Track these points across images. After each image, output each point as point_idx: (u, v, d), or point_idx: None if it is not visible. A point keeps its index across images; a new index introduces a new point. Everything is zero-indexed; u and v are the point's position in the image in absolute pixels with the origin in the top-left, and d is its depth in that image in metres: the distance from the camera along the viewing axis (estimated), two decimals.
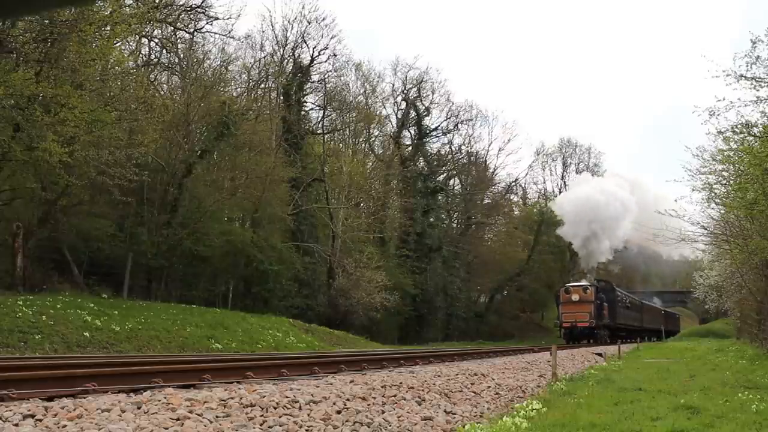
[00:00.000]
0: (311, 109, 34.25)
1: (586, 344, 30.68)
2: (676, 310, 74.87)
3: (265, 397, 4.50)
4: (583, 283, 35.23)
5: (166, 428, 3.55)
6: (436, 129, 41.94)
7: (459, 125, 43.53)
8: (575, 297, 32.80)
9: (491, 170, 48.07)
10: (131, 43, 21.96)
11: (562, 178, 56.24)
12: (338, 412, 4.59)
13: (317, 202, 30.40)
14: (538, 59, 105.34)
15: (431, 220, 39.14)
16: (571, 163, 56.96)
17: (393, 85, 40.85)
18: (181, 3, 23.44)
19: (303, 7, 32.16)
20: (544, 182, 56.40)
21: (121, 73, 18.25)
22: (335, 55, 32.87)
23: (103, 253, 19.82)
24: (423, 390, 6.18)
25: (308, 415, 4.38)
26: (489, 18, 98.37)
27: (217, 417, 3.90)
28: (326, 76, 33.56)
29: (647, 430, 4.75)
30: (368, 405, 5.06)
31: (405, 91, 40.12)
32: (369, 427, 4.46)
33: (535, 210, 52.03)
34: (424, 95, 40.49)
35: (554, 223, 52.20)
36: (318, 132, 34.36)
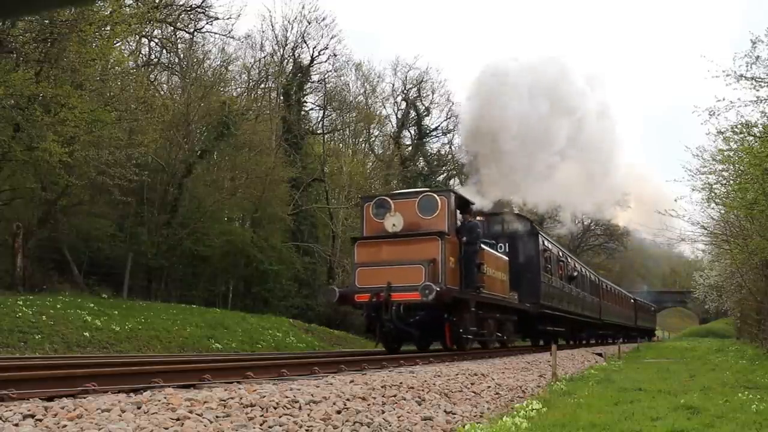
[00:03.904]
0: (311, 109, 34.27)
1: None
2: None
3: (265, 397, 4.50)
4: (421, 190, 14.80)
5: (166, 428, 3.55)
6: (436, 129, 41.92)
7: (459, 125, 43.52)
8: (393, 223, 11.53)
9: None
10: (131, 43, 21.98)
11: None
12: (338, 412, 4.59)
13: (317, 202, 30.38)
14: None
15: None
16: None
17: (393, 85, 40.85)
18: (181, 3, 23.47)
19: (303, 7, 32.18)
20: None
21: (121, 73, 18.26)
22: (335, 55, 32.88)
23: (103, 253, 19.82)
24: (423, 390, 6.18)
25: (308, 415, 4.38)
26: (488, 18, 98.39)
27: (217, 417, 3.90)
28: (326, 76, 33.58)
29: (647, 430, 4.75)
30: (368, 405, 5.06)
31: (405, 91, 40.11)
32: (369, 427, 4.46)
33: (535, 210, 51.98)
34: (424, 95, 40.48)
35: (555, 220, 52.13)
36: (318, 132, 34.35)
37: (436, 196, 11.75)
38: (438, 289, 10.24)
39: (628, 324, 36.41)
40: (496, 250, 15.40)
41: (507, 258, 15.32)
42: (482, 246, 12.76)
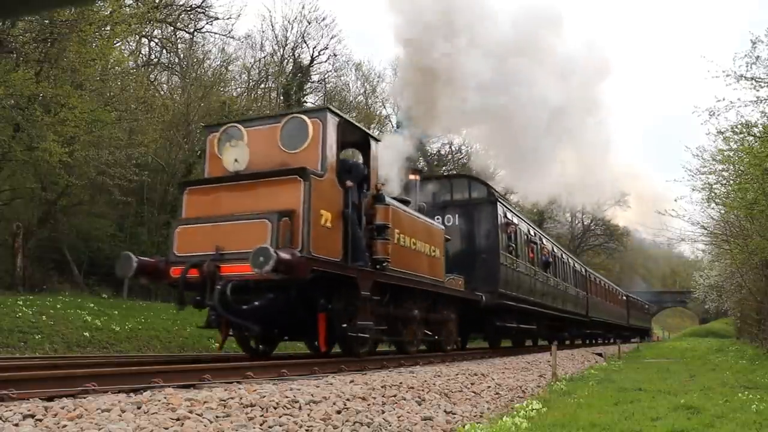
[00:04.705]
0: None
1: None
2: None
3: (265, 397, 4.50)
4: (288, 111, 10.53)
5: (166, 428, 3.55)
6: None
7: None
8: (234, 158, 7.71)
9: (491, 170, 48.04)
10: (131, 43, 22.00)
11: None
12: (338, 412, 4.59)
13: None
14: None
15: None
16: None
17: (393, 85, 40.85)
18: (181, 3, 23.49)
19: (303, 7, 32.22)
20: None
21: (121, 73, 18.28)
22: (335, 55, 32.93)
23: (103, 253, 19.82)
24: (423, 390, 6.18)
25: (308, 415, 4.38)
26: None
27: (217, 417, 3.90)
28: (326, 76, 33.62)
29: (647, 430, 4.75)
30: (368, 405, 5.06)
31: None
32: (369, 427, 4.46)
33: (535, 210, 52.11)
34: None
35: (555, 221, 52.19)
36: None
37: (305, 118, 7.80)
38: (283, 256, 6.44)
39: (620, 323, 33.83)
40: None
41: (441, 227, 11.39)
42: (387, 200, 8.80)
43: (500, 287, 13.40)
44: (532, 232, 17.25)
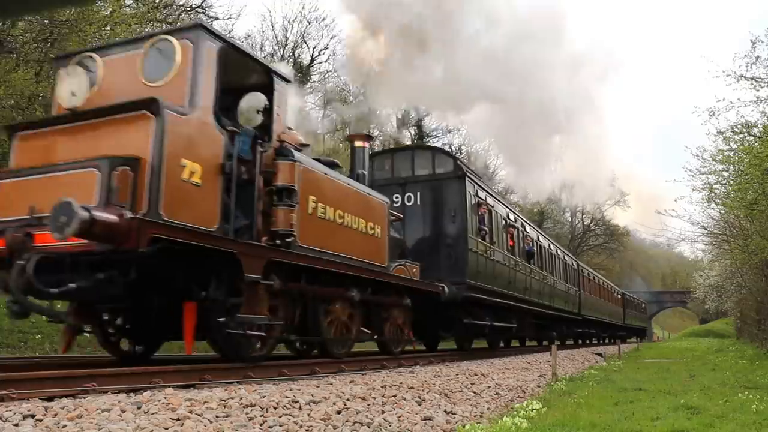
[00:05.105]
0: (311, 109, 34.33)
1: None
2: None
3: (265, 397, 4.50)
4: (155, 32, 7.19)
5: (166, 428, 3.55)
6: (436, 129, 41.92)
7: (459, 125, 43.45)
8: (71, 90, 5.70)
9: (491, 170, 48.12)
10: None
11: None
12: (338, 412, 4.59)
13: None
14: None
15: None
16: None
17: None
18: (181, 3, 23.49)
19: (303, 7, 32.29)
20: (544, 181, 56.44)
21: None
22: (335, 55, 32.94)
23: None
24: (423, 390, 6.18)
25: (308, 415, 4.38)
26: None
27: (217, 417, 3.90)
28: (326, 76, 33.65)
29: (647, 430, 4.75)
30: (368, 405, 5.06)
31: None
32: (369, 427, 4.46)
33: (535, 210, 52.18)
34: None
35: (555, 221, 52.24)
36: (318, 132, 34.41)
37: (172, 40, 5.84)
38: (99, 216, 4.59)
39: (616, 322, 31.94)
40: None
41: (385, 201, 9.07)
42: (296, 156, 6.66)
43: (469, 278, 11.41)
44: (511, 217, 15.07)
